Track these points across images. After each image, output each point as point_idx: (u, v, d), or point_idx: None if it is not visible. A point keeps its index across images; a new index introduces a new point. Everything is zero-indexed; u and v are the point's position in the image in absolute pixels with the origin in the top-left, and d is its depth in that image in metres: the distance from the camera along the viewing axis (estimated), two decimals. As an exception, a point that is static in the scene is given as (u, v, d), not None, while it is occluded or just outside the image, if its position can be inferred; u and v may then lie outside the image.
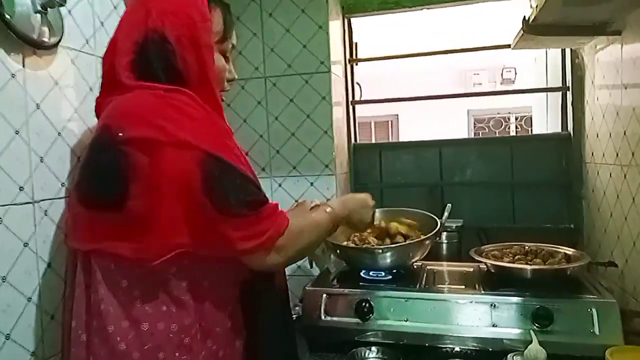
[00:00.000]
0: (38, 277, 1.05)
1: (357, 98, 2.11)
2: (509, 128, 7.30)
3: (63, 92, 1.12)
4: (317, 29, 1.78)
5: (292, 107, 1.82)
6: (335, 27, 1.87)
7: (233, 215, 0.89)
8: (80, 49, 1.18)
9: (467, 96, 2.21)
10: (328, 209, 1.11)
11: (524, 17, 1.36)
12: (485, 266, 1.46)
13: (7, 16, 0.94)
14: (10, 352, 0.98)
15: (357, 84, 2.13)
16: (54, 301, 1.09)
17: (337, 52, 1.89)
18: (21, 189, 1.01)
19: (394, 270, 1.46)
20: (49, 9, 1.02)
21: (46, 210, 1.07)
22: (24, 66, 1.02)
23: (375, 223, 1.42)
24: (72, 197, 0.98)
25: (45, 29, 1.04)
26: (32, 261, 1.04)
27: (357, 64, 2.10)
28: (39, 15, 1.01)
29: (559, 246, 1.48)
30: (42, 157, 1.06)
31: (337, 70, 1.89)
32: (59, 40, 1.08)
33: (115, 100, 0.95)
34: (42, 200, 1.06)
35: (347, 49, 2.03)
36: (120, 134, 0.87)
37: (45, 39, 1.04)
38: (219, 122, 0.96)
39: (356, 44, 2.09)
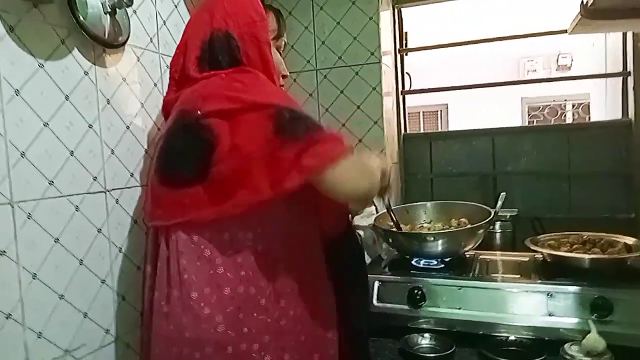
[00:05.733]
0: (110, 260, 1.13)
1: (406, 88, 2.11)
2: (564, 116, 7.01)
3: (130, 88, 1.20)
4: (367, 20, 1.79)
5: (343, 98, 1.84)
6: (385, 18, 1.87)
7: (299, 139, 0.91)
8: (145, 47, 1.25)
9: (521, 83, 2.15)
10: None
11: (582, 0, 1.32)
12: (541, 256, 1.44)
13: (81, 18, 1.01)
14: (87, 328, 1.07)
15: (407, 73, 2.12)
16: (124, 283, 1.17)
17: (387, 42, 1.89)
18: (95, 179, 1.09)
19: (446, 259, 1.46)
20: (117, 9, 1.09)
21: (117, 199, 1.15)
22: (95, 64, 1.09)
23: None
24: (153, 181, 1.05)
25: (114, 29, 1.11)
26: (105, 246, 1.12)
27: (407, 54, 2.09)
28: (108, 16, 1.09)
29: (618, 235, 1.44)
30: (112, 150, 1.14)
31: (387, 61, 1.90)
32: (127, 39, 1.16)
33: (183, 92, 1.03)
34: (113, 190, 1.14)
35: (397, 39, 2.03)
36: (199, 112, 0.95)
37: (114, 39, 1.12)
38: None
39: (406, 33, 2.08)
